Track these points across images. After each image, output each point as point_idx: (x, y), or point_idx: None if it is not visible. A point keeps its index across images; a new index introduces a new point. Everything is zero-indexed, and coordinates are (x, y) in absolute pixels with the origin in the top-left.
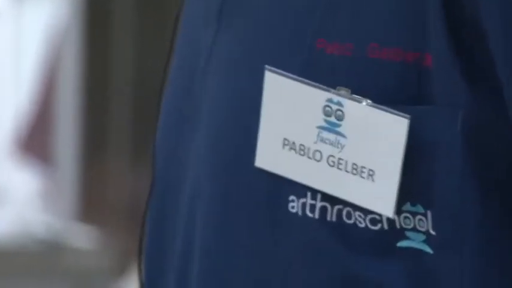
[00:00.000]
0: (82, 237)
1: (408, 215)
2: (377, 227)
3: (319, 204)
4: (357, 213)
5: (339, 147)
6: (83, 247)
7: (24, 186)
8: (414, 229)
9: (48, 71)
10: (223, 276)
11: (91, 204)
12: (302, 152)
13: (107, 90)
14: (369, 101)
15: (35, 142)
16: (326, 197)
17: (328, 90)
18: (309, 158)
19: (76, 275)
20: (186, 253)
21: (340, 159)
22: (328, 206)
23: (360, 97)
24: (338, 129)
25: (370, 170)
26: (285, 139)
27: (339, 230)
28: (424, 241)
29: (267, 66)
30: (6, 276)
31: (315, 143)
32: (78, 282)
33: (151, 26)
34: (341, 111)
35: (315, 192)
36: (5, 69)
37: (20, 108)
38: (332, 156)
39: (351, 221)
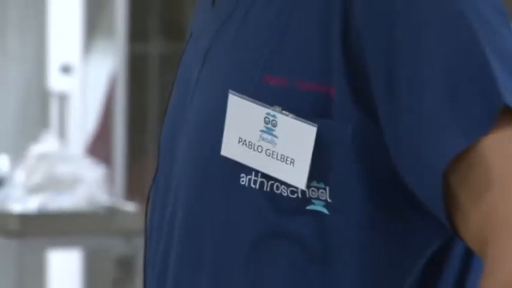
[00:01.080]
0: (128, 207)
1: (314, 188)
2: (294, 196)
3: (259, 180)
4: (283, 186)
5: (273, 143)
6: (128, 213)
7: (94, 174)
8: (317, 198)
9: (106, 103)
10: (196, 229)
11: (133, 187)
12: (250, 147)
13: (144, 114)
14: (292, 115)
15: (98, 147)
16: (264, 175)
17: (267, 107)
18: (254, 150)
19: (124, 231)
20: (170, 220)
21: (273, 151)
22: (265, 181)
23: (288, 112)
24: (273, 132)
25: (292, 159)
26: (239, 137)
27: (271, 197)
28: (324, 206)
29: (230, 90)
30: (82, 231)
31: (258, 140)
32: (127, 236)
33: (170, 78)
34: (275, 121)
35: (257, 172)
36: (79, 102)
37: (89, 127)
38: (268, 149)
39: (278, 191)
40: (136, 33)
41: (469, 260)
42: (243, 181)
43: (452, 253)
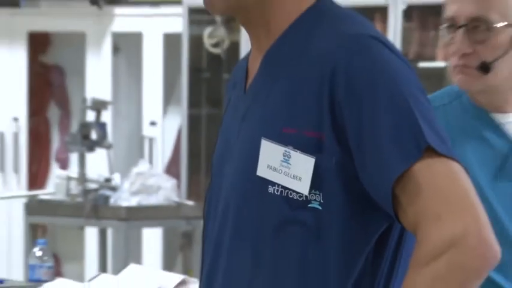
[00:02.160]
0: (188, 203)
1: (313, 194)
2: (301, 199)
3: (279, 189)
4: (294, 193)
5: (288, 168)
6: (189, 206)
7: (169, 184)
8: (315, 200)
9: (176, 143)
10: (242, 217)
11: (191, 192)
12: (274, 170)
13: (198, 151)
14: (299, 151)
15: (171, 168)
16: (282, 187)
17: (285, 147)
18: (277, 172)
19: (186, 216)
20: (224, 211)
21: (288, 173)
22: (283, 190)
23: (297, 149)
24: (288, 161)
25: (300, 177)
26: (268, 164)
27: (286, 199)
28: (318, 204)
29: (263, 137)
30: (162, 217)
31: (279, 166)
32: (188, 219)
33: (213, 128)
34: (289, 154)
35: (278, 184)
36: (160, 143)
37: (166, 157)
38: (285, 171)
39: (291, 196)
40: (193, 101)
41: (402, 238)
42: (269, 190)
43: (391, 236)
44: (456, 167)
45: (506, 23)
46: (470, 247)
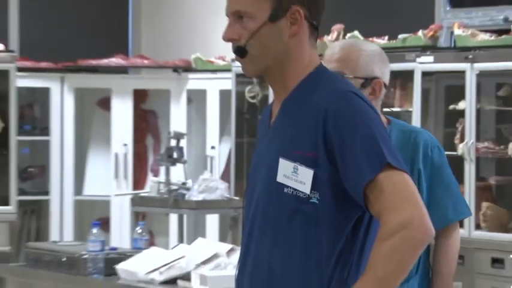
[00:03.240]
0: (236, 198)
1: (312, 193)
2: (305, 196)
3: (291, 190)
4: (300, 192)
5: (296, 176)
6: (236, 200)
7: (223, 186)
8: (314, 197)
9: (227, 160)
10: (265, 208)
11: (238, 191)
12: (287, 177)
13: (242, 164)
14: (303, 165)
15: (225, 176)
16: (293, 189)
17: (294, 163)
18: (289, 179)
19: (234, 208)
20: (256, 205)
21: (296, 179)
22: (294, 191)
23: (302, 165)
24: (296, 171)
25: (304, 182)
26: (284, 174)
27: (295, 197)
28: (317, 200)
29: (280, 157)
30: (219, 207)
31: (291, 175)
32: (233, 208)
33: (251, 151)
34: (297, 168)
35: (290, 187)
36: (222, 161)
37: (221, 169)
38: (295, 179)
39: (299, 195)
40: (238, 134)
41: (369, 228)
42: (285, 191)
43: (363, 221)
44: (405, 176)
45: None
46: (415, 227)
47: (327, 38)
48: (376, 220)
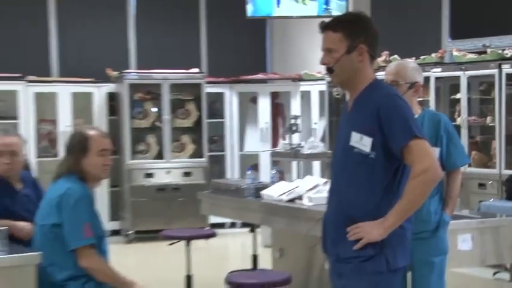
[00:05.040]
0: (329, 151)
1: (371, 152)
2: (366, 154)
3: (357, 150)
4: (364, 152)
5: (361, 141)
6: (329, 153)
7: (321, 145)
8: (372, 154)
9: (323, 133)
10: (340, 168)
11: (331, 148)
12: (356, 142)
13: (334, 133)
14: (365, 135)
15: (322, 140)
16: (359, 149)
17: (360, 134)
18: (357, 143)
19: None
20: (336, 166)
21: (361, 143)
22: (360, 150)
23: (365, 135)
24: (362, 139)
25: (366, 145)
26: (354, 140)
27: (360, 154)
28: (373, 156)
29: (352, 130)
30: (319, 158)
31: (359, 140)
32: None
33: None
34: (362, 137)
35: (356, 148)
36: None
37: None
38: (360, 143)
39: (363, 152)
40: (331, 114)
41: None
42: (355, 150)
43: (400, 167)
44: (425, 142)
45: None
46: (431, 173)
47: (378, 59)
48: (407, 168)
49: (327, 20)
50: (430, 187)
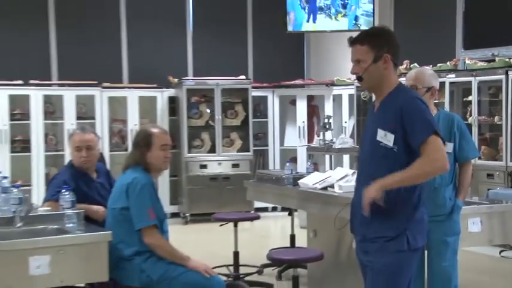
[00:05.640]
0: (357, 146)
1: (394, 146)
2: (390, 147)
3: (384, 144)
4: (388, 145)
5: (386, 137)
6: (357, 147)
7: (350, 141)
8: (395, 147)
9: (352, 130)
10: (367, 160)
11: (358, 143)
12: (382, 138)
13: (360, 131)
14: (389, 132)
15: (351, 136)
16: (384, 144)
17: (385, 131)
18: (382, 138)
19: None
20: (363, 158)
21: (386, 139)
22: (384, 145)
23: (388, 132)
24: (386, 135)
25: (390, 140)
26: (380, 136)
27: (385, 148)
28: (396, 149)
29: (378, 129)
30: (347, 153)
31: (384, 136)
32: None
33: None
34: (386, 133)
35: (382, 143)
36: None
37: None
38: (385, 139)
39: (387, 146)
40: (359, 114)
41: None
42: (381, 144)
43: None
44: (439, 139)
45: None
46: (439, 164)
47: (400, 67)
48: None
49: (354, 35)
50: (433, 172)
